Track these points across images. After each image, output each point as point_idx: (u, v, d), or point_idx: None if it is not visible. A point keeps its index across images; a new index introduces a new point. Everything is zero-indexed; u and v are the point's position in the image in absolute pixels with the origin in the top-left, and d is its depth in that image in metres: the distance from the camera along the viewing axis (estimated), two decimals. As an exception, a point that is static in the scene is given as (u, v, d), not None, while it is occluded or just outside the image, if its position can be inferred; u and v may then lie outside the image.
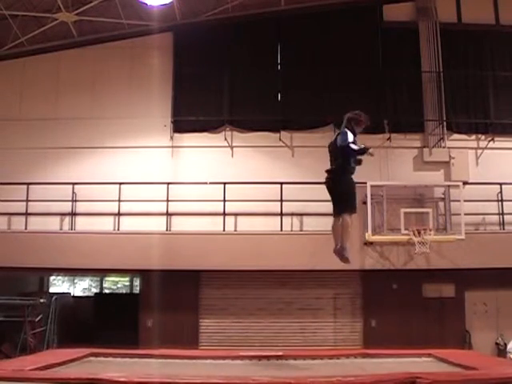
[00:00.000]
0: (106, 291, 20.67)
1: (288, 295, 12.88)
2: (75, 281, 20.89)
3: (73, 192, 13.54)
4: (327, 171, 7.39)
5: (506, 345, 11.95)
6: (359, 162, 7.24)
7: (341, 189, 7.30)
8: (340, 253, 7.32)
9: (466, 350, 11.71)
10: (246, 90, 14.48)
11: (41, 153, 14.03)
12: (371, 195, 12.10)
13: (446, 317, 12.44)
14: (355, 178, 13.10)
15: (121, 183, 13.46)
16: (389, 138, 14.12)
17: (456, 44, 14.61)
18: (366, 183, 12.17)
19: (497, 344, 12.34)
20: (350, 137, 7.08)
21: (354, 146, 7.01)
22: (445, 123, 14.14)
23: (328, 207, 13.87)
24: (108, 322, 14.17)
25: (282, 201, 13.11)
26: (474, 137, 14.34)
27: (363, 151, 7.08)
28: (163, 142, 14.25)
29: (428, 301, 12.54)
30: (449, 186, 12.70)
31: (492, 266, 11.85)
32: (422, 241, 11.67)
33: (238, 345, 12.22)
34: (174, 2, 13.69)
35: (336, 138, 7.29)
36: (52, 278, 19.37)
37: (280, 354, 7.85)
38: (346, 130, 7.21)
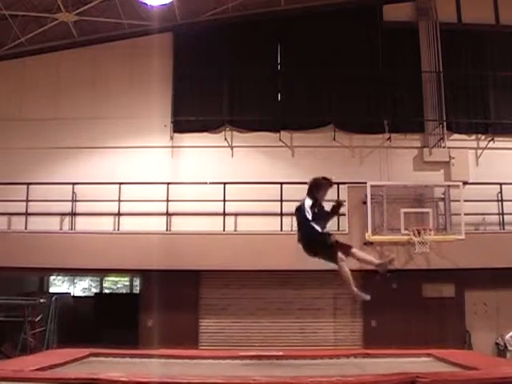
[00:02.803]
0: (106, 291, 20.69)
1: (288, 295, 12.88)
2: (75, 281, 20.91)
3: (73, 192, 13.54)
4: (298, 240, 7.20)
5: (505, 345, 11.98)
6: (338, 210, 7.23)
7: (316, 250, 7.12)
8: (356, 297, 7.32)
9: (466, 350, 11.71)
10: (245, 90, 14.49)
11: (41, 153, 14.03)
12: (371, 195, 12.10)
13: (446, 317, 12.43)
14: (355, 178, 13.17)
15: (121, 183, 13.46)
16: (389, 138, 14.12)
17: (456, 44, 14.61)
18: (365, 183, 12.19)
19: (497, 344, 12.33)
20: (309, 212, 6.92)
21: (315, 226, 6.89)
22: (445, 123, 14.15)
23: (328, 207, 13.86)
24: (108, 322, 14.19)
25: (282, 201, 13.10)
26: (474, 137, 14.35)
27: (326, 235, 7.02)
28: (163, 141, 14.25)
29: (428, 301, 12.53)
30: (449, 185, 12.69)
31: (492, 266, 11.85)
32: (421, 241, 11.66)
33: (237, 345, 12.21)
34: (173, 2, 13.69)
35: (302, 209, 7.06)
36: (52, 278, 19.39)
37: (280, 353, 7.85)
38: (309, 200, 7.02)
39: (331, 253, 6.94)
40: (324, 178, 7.29)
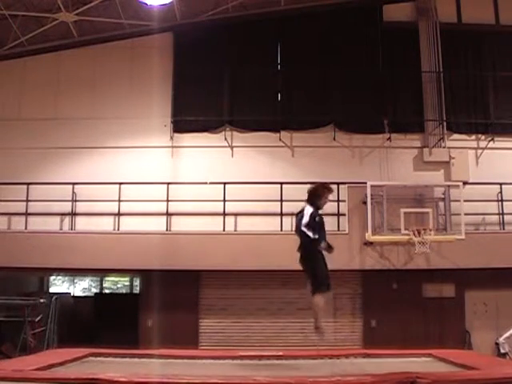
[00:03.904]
0: (106, 291, 20.68)
1: (288, 295, 12.86)
2: (75, 281, 20.90)
3: (73, 192, 13.54)
4: (298, 249, 7.16)
5: (499, 347, 11.93)
6: (329, 250, 7.09)
7: (308, 268, 7.08)
8: (317, 332, 7.16)
9: (466, 350, 11.71)
10: (245, 90, 14.48)
11: (41, 153, 14.03)
12: (371, 195, 12.10)
13: (446, 317, 12.43)
14: (355, 178, 13.20)
15: (121, 183, 13.46)
16: (389, 138, 14.12)
17: (456, 44, 14.61)
18: (365, 183, 12.19)
19: (497, 344, 12.32)
20: (307, 215, 6.93)
21: (308, 233, 6.89)
22: (445, 123, 14.15)
23: (328, 207, 13.89)
24: (108, 322, 14.17)
25: (282, 201, 13.11)
26: (474, 137, 14.34)
27: (326, 247, 7.00)
28: (163, 142, 14.25)
29: (428, 301, 12.54)
30: (449, 185, 12.69)
31: (492, 266, 11.85)
32: (422, 241, 11.66)
33: (237, 345, 12.21)
34: (174, 2, 13.69)
35: (301, 216, 7.11)
36: (52, 278, 19.38)
37: (280, 353, 7.86)
38: (310, 208, 7.04)
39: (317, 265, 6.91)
40: (323, 186, 7.31)
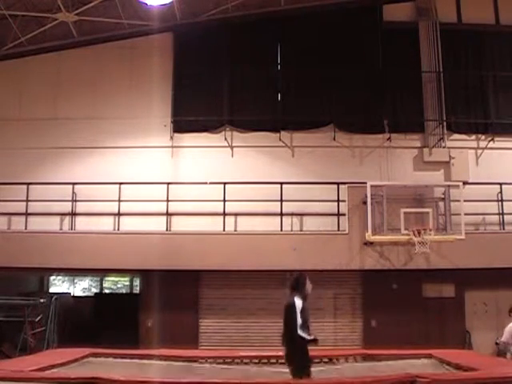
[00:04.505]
0: (106, 291, 20.69)
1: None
2: (75, 281, 20.92)
3: (73, 192, 13.54)
4: (282, 343, 7.04)
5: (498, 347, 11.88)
6: (315, 343, 6.92)
7: (294, 364, 6.89)
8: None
9: (466, 349, 11.71)
10: (245, 90, 14.47)
11: (41, 153, 14.02)
12: (371, 195, 12.09)
13: (446, 317, 12.43)
14: (355, 178, 13.19)
15: (121, 183, 13.46)
16: (389, 138, 14.12)
17: (456, 44, 14.61)
18: (365, 183, 12.19)
19: (497, 344, 12.30)
20: (299, 314, 6.82)
21: (303, 335, 6.76)
22: (445, 123, 14.15)
23: (328, 207, 13.92)
24: (108, 322, 14.18)
25: (282, 201, 13.11)
26: (474, 137, 14.34)
27: (312, 341, 6.86)
28: (163, 141, 14.24)
29: (428, 301, 12.53)
30: (449, 185, 12.68)
31: (492, 266, 11.85)
32: (421, 241, 11.65)
33: (237, 345, 12.22)
34: (173, 2, 13.68)
35: (286, 309, 7.03)
36: (52, 278, 19.39)
37: (280, 354, 7.86)
38: (295, 299, 6.96)
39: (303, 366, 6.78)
40: (301, 274, 7.39)
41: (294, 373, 6.81)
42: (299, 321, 6.76)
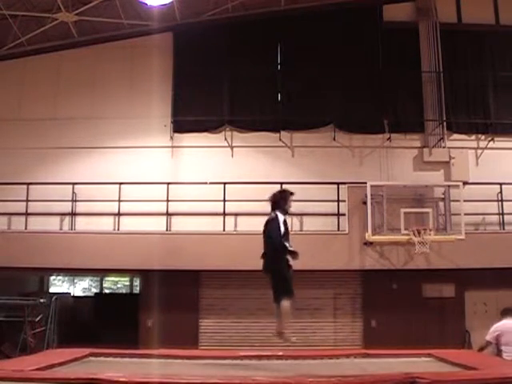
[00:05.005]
0: (106, 291, 20.71)
1: (288, 295, 12.85)
2: (75, 281, 20.93)
3: (73, 192, 13.55)
4: (262, 256, 7.20)
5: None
6: (294, 257, 7.02)
7: (274, 277, 7.09)
8: (279, 336, 7.17)
9: (466, 349, 11.70)
10: (245, 90, 14.48)
11: (41, 153, 14.03)
12: (371, 195, 12.10)
13: (446, 317, 12.43)
14: (355, 178, 13.18)
15: (121, 183, 13.46)
16: (389, 138, 14.13)
17: (456, 44, 14.63)
18: (365, 183, 12.19)
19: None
20: (282, 225, 6.94)
21: (285, 244, 6.91)
22: (445, 123, 14.15)
23: (328, 207, 13.89)
24: (108, 322, 14.18)
25: (281, 201, 13.09)
26: (474, 137, 14.34)
27: (293, 253, 6.96)
28: (163, 141, 14.25)
29: (428, 301, 12.53)
30: (449, 185, 12.69)
31: (492, 266, 11.85)
32: (421, 241, 11.66)
33: (238, 345, 12.21)
34: (173, 2, 13.69)
35: (268, 222, 7.13)
36: (52, 278, 19.40)
37: (280, 353, 7.85)
38: (277, 213, 7.05)
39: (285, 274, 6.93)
40: (285, 190, 7.56)
41: (284, 293, 6.93)
42: (282, 230, 6.90)
